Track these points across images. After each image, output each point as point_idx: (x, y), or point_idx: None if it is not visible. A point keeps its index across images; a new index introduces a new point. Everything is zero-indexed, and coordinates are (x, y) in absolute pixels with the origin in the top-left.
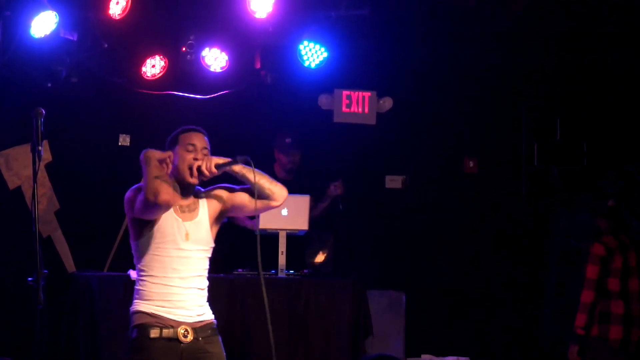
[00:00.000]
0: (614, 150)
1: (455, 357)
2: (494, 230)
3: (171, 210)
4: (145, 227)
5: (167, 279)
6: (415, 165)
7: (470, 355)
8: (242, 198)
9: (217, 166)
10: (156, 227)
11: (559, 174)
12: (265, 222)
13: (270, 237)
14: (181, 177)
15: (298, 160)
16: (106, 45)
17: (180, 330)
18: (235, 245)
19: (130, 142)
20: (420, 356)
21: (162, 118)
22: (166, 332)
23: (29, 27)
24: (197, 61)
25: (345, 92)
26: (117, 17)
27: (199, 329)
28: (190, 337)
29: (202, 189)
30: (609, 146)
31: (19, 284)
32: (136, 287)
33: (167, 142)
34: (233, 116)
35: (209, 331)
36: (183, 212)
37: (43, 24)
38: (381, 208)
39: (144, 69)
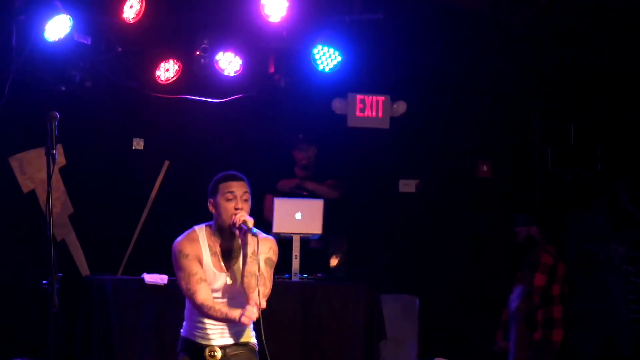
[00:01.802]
0: (628, 154)
1: None
2: (507, 234)
3: (210, 261)
4: None
5: (203, 315)
6: (429, 169)
7: (485, 359)
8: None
9: (243, 224)
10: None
11: (572, 178)
12: (280, 226)
13: (285, 241)
14: (224, 225)
15: (312, 156)
16: (120, 49)
17: (206, 351)
18: None
19: (144, 146)
20: (433, 359)
21: (176, 122)
22: (195, 356)
23: (43, 31)
24: (211, 65)
25: (359, 96)
26: (131, 21)
27: (230, 347)
28: (218, 356)
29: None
30: (623, 150)
31: (33, 288)
32: (186, 312)
33: (209, 190)
34: (247, 120)
35: (241, 347)
36: (223, 261)
37: (57, 28)
38: (395, 212)
39: (157, 72)
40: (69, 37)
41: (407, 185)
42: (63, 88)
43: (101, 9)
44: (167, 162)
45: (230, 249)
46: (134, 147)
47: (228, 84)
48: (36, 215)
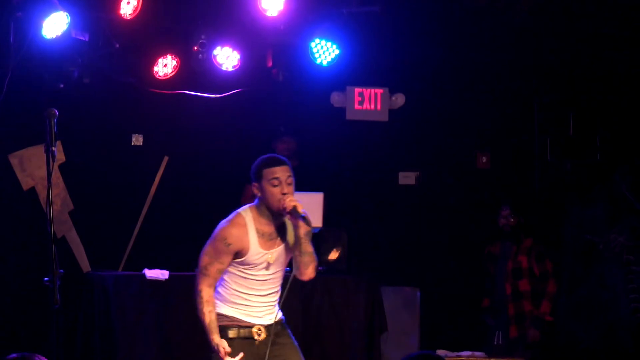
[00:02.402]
0: (627, 144)
1: (470, 353)
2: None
3: (257, 243)
4: (234, 258)
5: (248, 295)
6: (428, 161)
7: (486, 351)
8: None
9: (293, 209)
10: (244, 259)
11: (572, 168)
12: None
13: None
14: (272, 208)
15: (294, 149)
16: (118, 46)
17: (255, 330)
18: None
19: (143, 142)
20: (435, 352)
21: (175, 117)
22: (242, 332)
23: (40, 28)
24: (209, 60)
25: (357, 89)
26: (128, 17)
27: (270, 326)
28: (263, 335)
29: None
30: (621, 140)
31: (34, 284)
32: (218, 291)
33: (252, 174)
34: (245, 115)
35: (279, 327)
36: (268, 240)
37: (54, 25)
38: (395, 204)
39: (155, 68)
40: (66, 34)
41: (407, 178)
42: (61, 85)
43: (98, 5)
44: (166, 158)
45: (276, 229)
46: (133, 143)
47: (226, 79)
48: (36, 212)
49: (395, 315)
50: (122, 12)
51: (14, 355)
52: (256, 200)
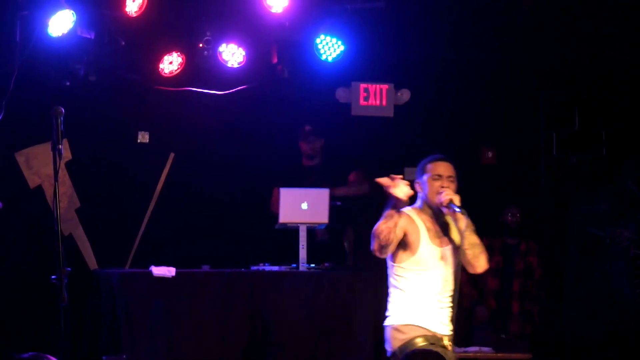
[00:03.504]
0: (633, 139)
1: (477, 348)
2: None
3: (427, 236)
4: (404, 254)
5: (425, 299)
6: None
7: (493, 345)
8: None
9: (450, 202)
10: (416, 256)
11: (577, 163)
12: (286, 216)
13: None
14: (431, 203)
15: (318, 148)
16: (123, 43)
17: (446, 340)
18: (257, 239)
19: (149, 139)
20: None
21: (180, 114)
22: (435, 340)
23: (46, 26)
24: (215, 57)
25: (362, 85)
26: (134, 15)
27: (451, 338)
28: (450, 347)
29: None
30: (627, 135)
31: (42, 282)
32: (392, 303)
33: (417, 172)
34: (251, 111)
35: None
36: (437, 237)
37: (60, 23)
38: None
39: (161, 65)
40: (72, 32)
41: (412, 174)
42: (67, 83)
43: (104, 3)
44: (172, 155)
45: (441, 227)
46: (139, 141)
47: (231, 76)
48: (43, 210)
49: None
50: (127, 9)
51: (27, 354)
52: (416, 202)
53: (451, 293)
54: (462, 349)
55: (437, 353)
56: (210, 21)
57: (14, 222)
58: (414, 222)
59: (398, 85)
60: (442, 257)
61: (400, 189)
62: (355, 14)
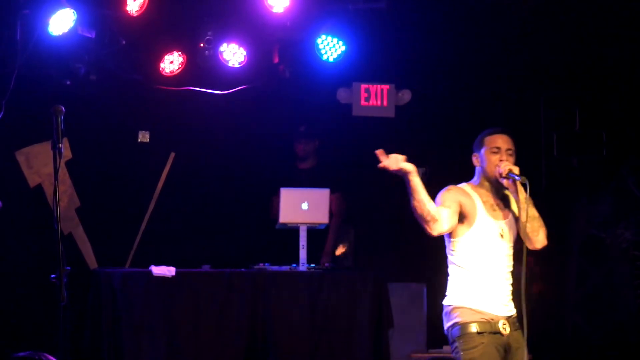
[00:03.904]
0: (634, 139)
1: None
2: None
3: (483, 209)
4: (461, 227)
5: (484, 276)
6: (434, 157)
7: None
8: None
9: (509, 172)
10: (472, 228)
11: (578, 164)
12: (286, 216)
13: (292, 231)
14: (489, 177)
15: (312, 149)
16: (124, 42)
17: (500, 323)
18: (257, 239)
19: (149, 139)
20: (442, 347)
21: (181, 114)
22: (490, 327)
23: (47, 25)
24: (215, 57)
25: (363, 86)
26: (135, 14)
27: (511, 321)
28: (508, 330)
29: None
30: (628, 136)
31: (41, 282)
32: (451, 282)
33: (474, 145)
34: (252, 111)
35: (516, 323)
36: (494, 210)
37: (61, 22)
38: (401, 200)
39: (162, 65)
40: (73, 31)
41: None
42: (68, 82)
43: (105, 2)
44: (172, 154)
45: (499, 199)
46: (139, 140)
47: (232, 75)
48: (43, 209)
49: (402, 311)
50: (128, 9)
51: (23, 353)
52: (473, 178)
53: (510, 269)
54: None
55: None
56: (212, 21)
57: (14, 221)
58: (469, 195)
59: (399, 85)
60: (501, 231)
61: (394, 161)
62: (357, 14)
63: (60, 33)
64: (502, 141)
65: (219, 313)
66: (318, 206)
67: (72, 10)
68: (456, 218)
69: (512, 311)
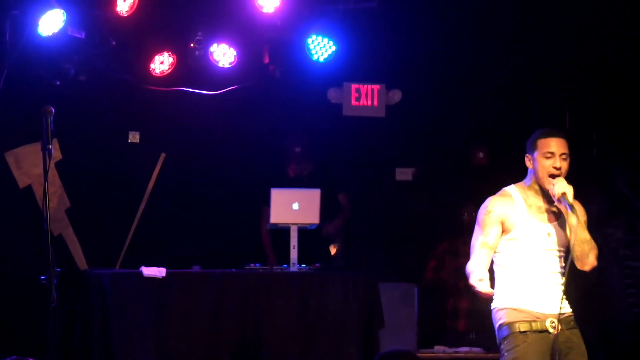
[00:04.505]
0: (623, 139)
1: (468, 348)
2: None
3: (526, 212)
4: (505, 231)
5: (528, 276)
6: (425, 157)
7: (484, 346)
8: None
9: (562, 197)
10: (514, 231)
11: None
12: (277, 216)
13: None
14: (540, 182)
15: (305, 172)
16: (114, 43)
17: (548, 322)
18: (248, 240)
19: (139, 139)
20: (433, 347)
21: (172, 114)
22: (535, 325)
23: (36, 25)
24: (206, 57)
25: (354, 86)
26: (125, 14)
27: (563, 320)
28: (559, 328)
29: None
30: (618, 135)
31: (31, 283)
32: (497, 284)
33: (527, 145)
34: (242, 111)
35: (571, 323)
36: (541, 212)
37: (51, 23)
38: (392, 200)
39: (152, 65)
40: (62, 32)
41: (404, 174)
42: (58, 82)
43: (94, 2)
44: (163, 155)
45: (547, 203)
46: (129, 141)
47: (223, 76)
48: (33, 210)
49: (393, 311)
50: (118, 9)
51: (9, 358)
52: (525, 178)
53: (560, 270)
54: (453, 349)
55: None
56: (202, 21)
57: (3, 223)
58: (512, 201)
59: (390, 85)
60: (548, 233)
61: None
62: (347, 14)
63: (50, 34)
64: (556, 145)
65: (210, 314)
66: (309, 206)
67: (62, 11)
68: (500, 234)
69: (565, 309)
